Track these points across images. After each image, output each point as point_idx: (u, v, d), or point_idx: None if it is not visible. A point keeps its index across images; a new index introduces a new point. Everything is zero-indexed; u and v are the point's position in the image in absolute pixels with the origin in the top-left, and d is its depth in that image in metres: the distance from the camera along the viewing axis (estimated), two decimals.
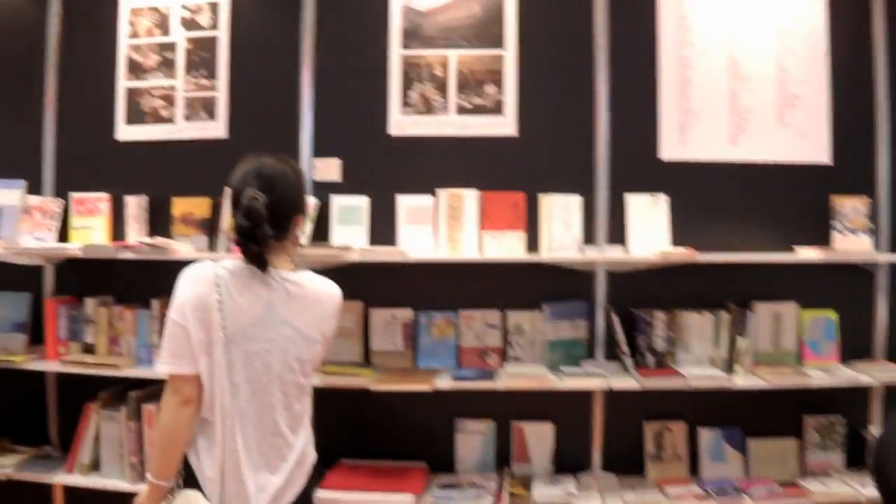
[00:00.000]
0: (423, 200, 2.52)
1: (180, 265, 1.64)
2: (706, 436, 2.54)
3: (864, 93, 2.61)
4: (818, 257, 2.46)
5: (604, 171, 2.54)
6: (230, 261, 1.60)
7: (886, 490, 1.76)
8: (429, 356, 2.53)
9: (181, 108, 2.63)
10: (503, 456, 2.56)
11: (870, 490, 2.36)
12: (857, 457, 2.58)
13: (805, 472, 2.54)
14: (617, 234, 2.52)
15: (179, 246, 2.47)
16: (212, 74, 2.62)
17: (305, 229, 2.32)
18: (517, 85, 2.55)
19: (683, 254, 2.43)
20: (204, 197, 2.54)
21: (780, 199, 2.57)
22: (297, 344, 1.61)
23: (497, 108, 2.55)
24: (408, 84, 2.56)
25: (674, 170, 2.54)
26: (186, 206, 2.54)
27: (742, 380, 2.39)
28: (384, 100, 2.57)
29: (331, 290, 1.67)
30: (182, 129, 2.62)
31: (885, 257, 2.54)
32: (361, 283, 2.53)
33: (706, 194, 2.56)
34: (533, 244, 2.51)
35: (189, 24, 2.66)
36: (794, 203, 2.58)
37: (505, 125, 2.56)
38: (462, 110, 2.56)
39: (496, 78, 2.55)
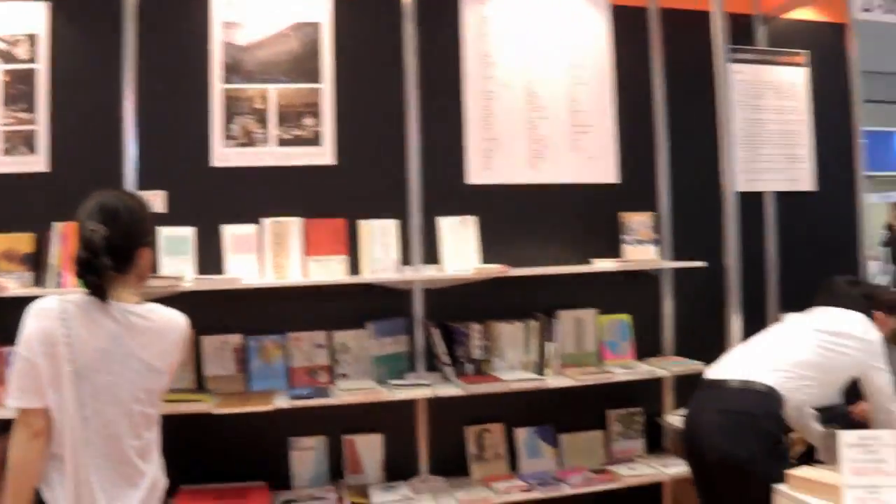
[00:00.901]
0: (247, 229, 3.59)
1: (9, 302, 2.53)
2: (522, 434, 3.85)
3: (645, 120, 4.09)
4: (612, 267, 3.83)
5: (416, 196, 3.75)
6: (76, 295, 2.25)
7: (699, 463, 3.09)
8: (261, 378, 3.60)
9: (0, 142, 3.52)
10: (336, 469, 3.68)
11: (671, 469, 3.76)
12: (655, 442, 4.04)
13: (612, 459, 3.92)
14: (431, 254, 3.74)
15: (8, 282, 3.30)
16: (31, 107, 3.52)
17: (154, 262, 3.34)
18: (334, 117, 3.71)
19: (496, 269, 3.66)
20: (27, 232, 3.42)
21: (576, 216, 3.95)
22: (144, 375, 2.16)
23: (316, 139, 3.71)
24: (230, 117, 3.63)
25: (480, 193, 3.83)
26: (8, 242, 3.39)
27: (554, 380, 3.67)
28: (207, 132, 3.62)
29: (177, 321, 2.30)
30: (1, 164, 3.49)
31: (669, 264, 3.99)
32: (191, 312, 3.54)
33: (511, 215, 3.87)
34: (354, 267, 3.64)
35: (6, 57, 3.52)
36: (589, 220, 3.97)
37: (324, 155, 3.71)
38: (283, 141, 3.68)
39: (314, 110, 3.71)
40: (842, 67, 4.63)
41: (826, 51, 4.60)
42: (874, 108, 19.09)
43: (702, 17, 4.05)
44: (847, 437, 2.62)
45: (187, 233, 3.59)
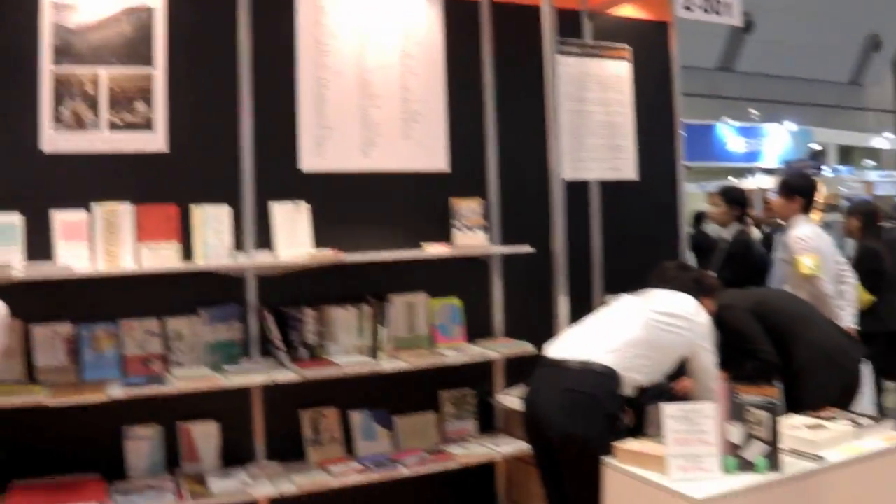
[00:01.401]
0: (78, 215, 4.12)
1: None
2: (357, 418, 4.60)
3: (475, 109, 4.97)
4: (443, 252, 4.64)
5: (250, 182, 4.43)
6: None
7: (540, 441, 3.97)
8: (93, 368, 4.14)
9: None
10: (173, 458, 4.27)
11: (503, 448, 4.62)
12: (487, 422, 4.92)
13: (446, 440, 4.74)
14: (264, 240, 4.43)
15: None
16: None
17: None
18: (167, 102, 4.32)
19: (329, 255, 4.36)
20: None
21: (408, 202, 4.76)
22: None
23: (148, 125, 4.31)
24: (59, 100, 4.18)
25: (314, 179, 4.56)
26: None
27: (387, 364, 4.42)
28: (35, 115, 4.15)
29: None
30: None
31: (498, 249, 4.89)
32: (20, 300, 4.08)
33: (344, 201, 4.61)
34: (187, 253, 4.26)
35: None
36: (420, 206, 4.78)
37: (156, 141, 4.32)
38: (114, 126, 4.27)
39: (146, 95, 4.31)
40: (663, 62, 5.73)
41: (648, 46, 5.65)
42: (694, 102, 21.35)
43: (531, 11, 4.96)
44: (670, 410, 3.23)
45: (14, 219, 4.10)
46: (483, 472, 4.93)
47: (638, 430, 3.88)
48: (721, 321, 4.38)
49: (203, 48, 4.53)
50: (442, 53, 5.00)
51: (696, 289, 4.18)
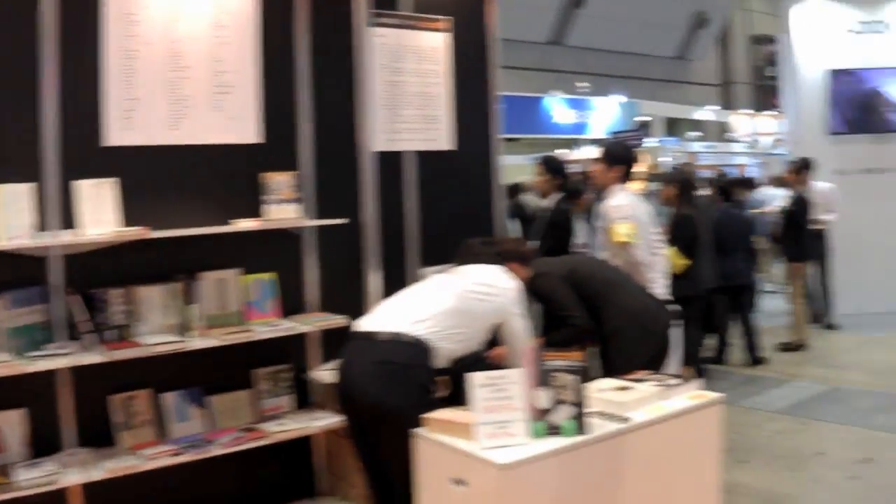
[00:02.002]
0: None
1: None
2: (170, 399, 4.53)
3: (288, 81, 4.90)
4: (254, 226, 4.60)
5: (52, 158, 4.29)
6: None
7: (353, 414, 4.00)
8: None
9: None
10: None
11: (320, 422, 4.65)
12: (305, 398, 4.92)
13: (261, 417, 4.72)
14: (68, 219, 4.29)
15: None
16: None
17: None
18: None
19: (136, 232, 4.26)
20: None
21: (218, 176, 4.68)
22: None
23: None
24: None
25: (121, 154, 4.42)
26: None
27: (197, 342, 4.37)
28: None
29: None
30: None
31: (310, 222, 4.86)
32: None
33: (153, 176, 4.50)
34: None
35: None
36: (232, 180, 4.71)
37: None
38: None
39: None
40: (481, 35, 5.83)
41: (467, 18, 5.72)
42: (526, 75, 21.81)
43: None
44: (477, 378, 3.30)
45: None
46: (301, 448, 4.96)
47: (456, 400, 3.89)
48: (536, 288, 4.54)
49: (3, 19, 4.32)
50: (254, 23, 4.92)
51: (502, 259, 4.34)
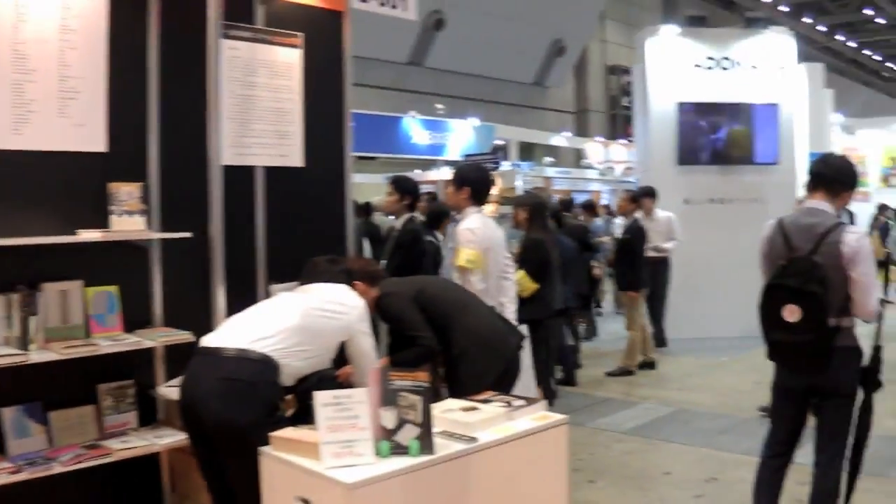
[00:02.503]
0: None
1: None
2: (9, 414, 4.38)
3: (136, 89, 4.85)
4: (98, 237, 4.51)
5: None
6: None
7: (197, 432, 3.95)
8: None
9: None
10: None
11: (165, 440, 4.60)
12: (150, 414, 4.86)
13: (105, 434, 4.62)
14: None
15: None
16: None
17: None
18: None
19: None
20: None
21: (63, 185, 4.58)
22: None
23: None
24: None
25: None
26: None
27: (37, 355, 4.27)
28: None
29: None
30: None
31: (156, 235, 4.81)
32: None
33: None
34: None
35: None
36: (76, 189, 4.63)
37: None
38: None
39: None
40: (336, 52, 5.88)
41: (322, 35, 5.77)
42: (384, 94, 22.08)
43: None
44: (321, 397, 3.32)
45: None
46: (147, 465, 4.88)
47: (303, 419, 3.90)
48: (383, 308, 4.62)
49: None
50: (104, 29, 4.84)
51: (348, 278, 4.41)
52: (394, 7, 5.88)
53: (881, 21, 38.78)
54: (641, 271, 9.87)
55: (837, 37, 40.93)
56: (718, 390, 9.01)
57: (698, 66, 12.20)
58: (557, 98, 31.57)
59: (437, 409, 3.76)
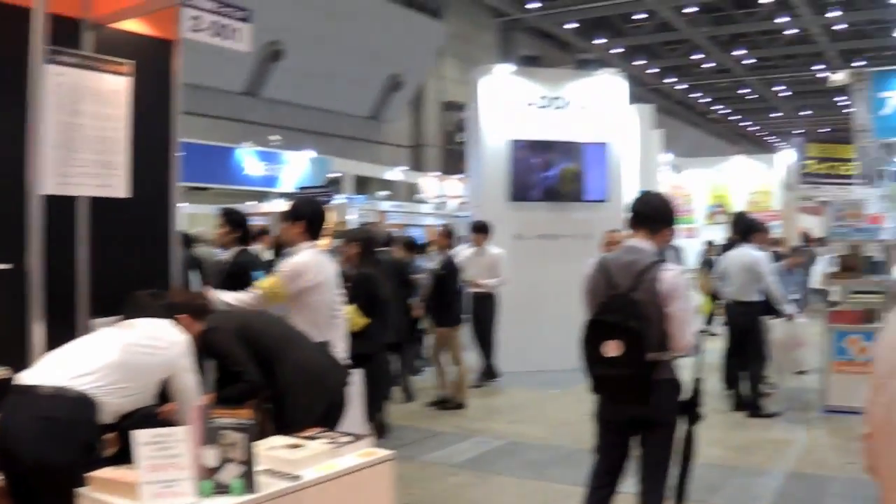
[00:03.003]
0: None
1: None
2: None
3: None
4: None
5: None
6: None
7: (13, 472, 3.74)
8: None
9: None
10: None
11: None
12: None
13: None
14: None
15: None
16: None
17: None
18: None
19: None
20: None
21: None
22: None
23: None
24: None
25: None
26: None
27: None
28: None
29: None
30: None
31: None
32: None
33: None
34: None
35: None
36: None
37: None
38: None
39: None
40: (166, 81, 5.78)
41: (152, 64, 5.65)
42: (219, 125, 21.91)
43: (23, 14, 4.80)
44: (141, 436, 3.26)
45: None
46: None
47: (124, 458, 3.74)
48: (208, 343, 4.54)
49: None
50: None
51: (171, 312, 4.34)
52: (227, 38, 5.79)
53: (709, 65, 40.69)
54: (456, 307, 9.90)
55: (667, 79, 42.71)
56: (549, 422, 9.20)
57: (531, 104, 12.48)
58: (393, 132, 31.83)
59: (262, 446, 3.72)
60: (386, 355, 7.93)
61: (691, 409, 4.53)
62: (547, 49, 35.04)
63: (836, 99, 45.65)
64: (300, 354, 4.76)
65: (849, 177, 34.00)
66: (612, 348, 4.30)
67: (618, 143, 12.87)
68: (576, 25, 34.87)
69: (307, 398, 4.62)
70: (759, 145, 57.95)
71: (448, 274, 9.79)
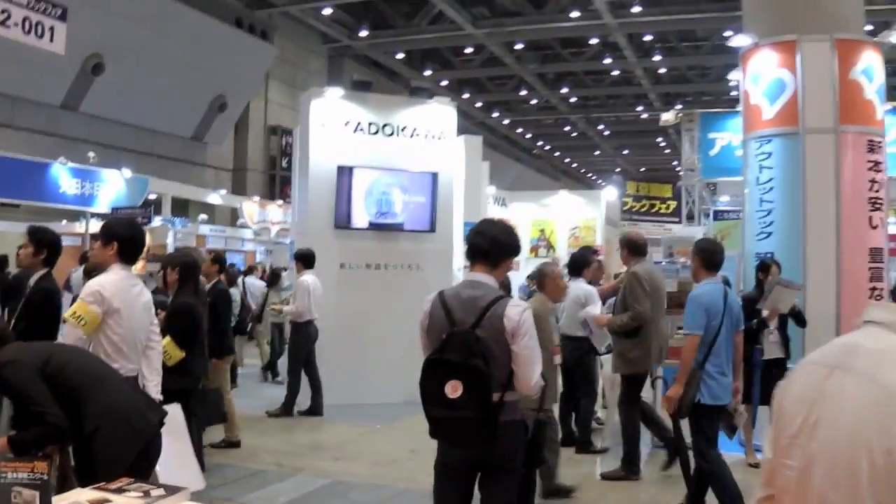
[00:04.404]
0: None
1: None
2: None
3: None
4: None
5: None
6: None
7: None
8: None
9: None
10: None
11: None
12: None
13: None
14: None
15: None
16: None
17: None
18: None
19: None
20: None
21: None
22: None
23: None
24: None
25: None
26: None
27: None
28: None
29: None
30: None
31: None
32: None
33: None
34: None
35: None
36: None
37: None
38: None
39: None
40: None
41: None
42: (34, 138, 21.07)
43: None
44: None
45: None
46: None
47: None
48: (3, 379, 4.05)
49: None
50: None
51: None
52: (40, 37, 5.31)
53: (534, 102, 41.61)
54: (226, 339, 9.10)
55: (493, 113, 43.41)
56: (375, 459, 8.83)
57: (361, 130, 12.20)
58: (216, 155, 31.11)
59: (62, 501, 3.33)
60: (206, 391, 7.38)
61: (534, 453, 4.34)
62: (376, 77, 35.06)
63: (656, 139, 47.56)
64: (111, 393, 4.27)
65: (667, 214, 35.54)
66: (453, 389, 4.05)
67: (445, 173, 12.67)
68: (404, 56, 35.06)
69: (117, 443, 4.13)
70: (580, 182, 59.78)
71: (215, 303, 8.66)
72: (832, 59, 8.82)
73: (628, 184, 34.19)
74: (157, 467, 4.35)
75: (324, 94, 12.41)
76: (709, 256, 6.56)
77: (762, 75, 9.28)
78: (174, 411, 5.14)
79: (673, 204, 35.40)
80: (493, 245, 4.39)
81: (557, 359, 6.66)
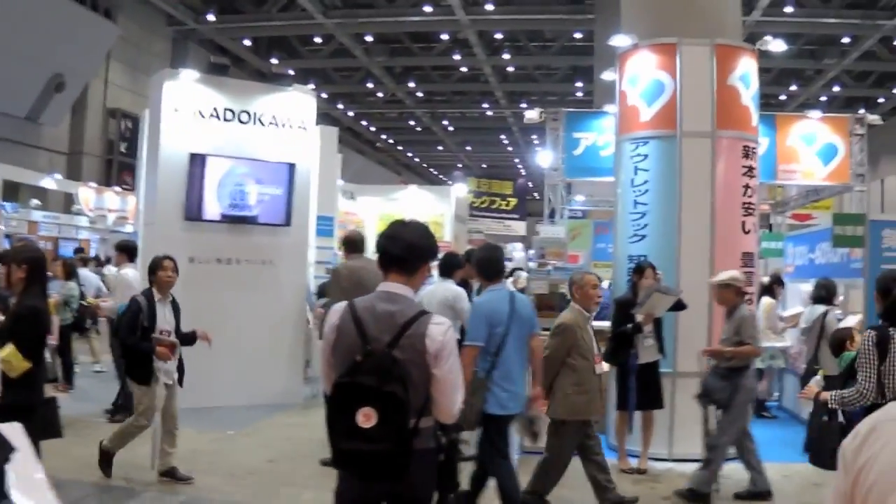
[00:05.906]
0: None
1: None
2: None
3: None
4: None
5: None
6: None
7: None
8: None
9: None
10: None
11: None
12: None
13: None
14: None
15: None
16: None
17: None
18: None
19: None
20: None
21: None
22: None
23: None
24: None
25: None
26: None
27: None
28: None
29: None
30: None
31: None
32: None
33: None
34: None
35: None
36: None
37: None
38: None
39: None
40: None
41: None
42: None
43: None
44: None
45: None
46: None
47: None
48: None
49: None
50: None
51: None
52: None
53: (380, 95, 41.07)
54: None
55: (338, 104, 42.63)
56: (231, 471, 8.04)
57: (215, 116, 11.37)
58: (51, 137, 29.22)
59: None
60: (54, 406, 6.38)
61: (447, 478, 3.85)
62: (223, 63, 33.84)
63: (499, 137, 47.71)
64: None
65: (507, 211, 35.62)
66: (366, 418, 3.49)
67: (303, 164, 12.02)
68: (251, 43, 34.02)
69: None
70: (422, 176, 59.56)
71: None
72: (711, 64, 8.66)
73: (469, 180, 34.19)
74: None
75: (178, 76, 11.47)
76: (486, 266, 6.38)
77: (640, 77, 9.08)
78: (16, 433, 4.37)
79: (514, 201, 35.71)
80: (408, 251, 3.87)
81: (598, 368, 6.53)
